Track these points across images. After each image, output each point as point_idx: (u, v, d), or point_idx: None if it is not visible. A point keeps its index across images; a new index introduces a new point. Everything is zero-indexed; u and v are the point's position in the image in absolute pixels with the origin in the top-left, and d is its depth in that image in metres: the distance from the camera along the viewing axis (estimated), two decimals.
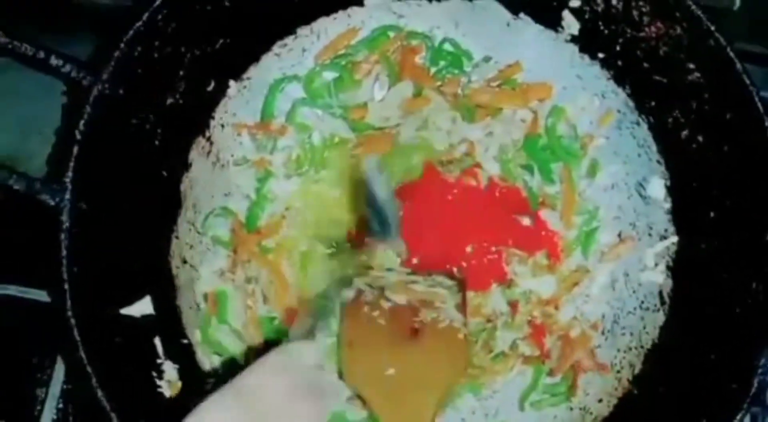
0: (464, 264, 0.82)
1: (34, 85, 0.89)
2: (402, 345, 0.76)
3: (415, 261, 0.81)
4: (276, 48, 0.82)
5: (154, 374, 0.73)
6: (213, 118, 0.81)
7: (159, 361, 0.74)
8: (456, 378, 0.76)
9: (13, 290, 0.88)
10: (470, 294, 0.81)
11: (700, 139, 0.75)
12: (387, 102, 0.84)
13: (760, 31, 0.91)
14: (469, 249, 0.82)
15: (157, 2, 0.71)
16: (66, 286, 0.67)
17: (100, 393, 0.66)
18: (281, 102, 0.83)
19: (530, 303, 0.81)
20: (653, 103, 0.78)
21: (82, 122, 0.69)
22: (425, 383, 0.74)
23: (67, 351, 0.81)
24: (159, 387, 0.73)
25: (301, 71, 0.83)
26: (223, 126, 0.82)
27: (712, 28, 0.71)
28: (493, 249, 0.81)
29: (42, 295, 0.87)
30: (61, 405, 0.87)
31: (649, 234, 0.79)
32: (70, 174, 0.68)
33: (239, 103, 0.82)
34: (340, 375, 0.77)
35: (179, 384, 0.74)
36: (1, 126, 0.87)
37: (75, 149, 0.69)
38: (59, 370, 0.87)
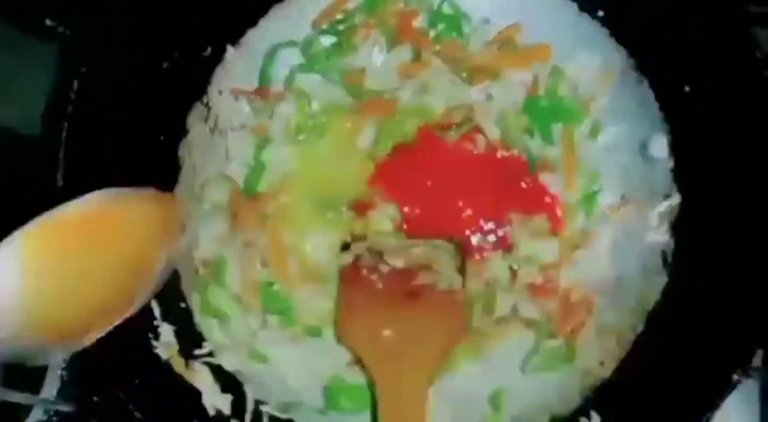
0: (465, 231, 0.81)
1: (38, 59, 0.90)
2: (399, 307, 0.76)
3: (412, 228, 0.81)
4: (273, 12, 0.82)
5: (151, 336, 0.73)
6: (210, 83, 0.81)
7: (156, 323, 0.73)
8: (454, 340, 0.75)
9: None
10: (469, 260, 0.80)
11: (702, 94, 0.74)
12: (385, 66, 0.83)
13: None
14: (466, 214, 0.81)
15: None
16: None
17: (94, 349, 0.66)
18: (279, 67, 0.83)
19: (531, 267, 0.80)
20: (654, 60, 0.76)
21: (76, 82, 0.69)
22: (422, 345, 0.74)
23: None
24: (155, 348, 0.73)
25: (298, 36, 0.83)
26: (220, 91, 0.81)
27: None
28: (492, 214, 0.81)
29: None
30: (65, 376, 0.88)
31: (652, 195, 0.78)
32: (64, 133, 0.69)
33: (237, 69, 0.82)
34: (338, 338, 0.77)
35: (176, 346, 0.74)
36: (10, 96, 0.88)
37: (69, 108, 0.69)
38: None
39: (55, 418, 0.88)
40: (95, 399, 0.83)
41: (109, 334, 0.68)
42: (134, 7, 0.72)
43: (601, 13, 0.78)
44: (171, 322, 0.74)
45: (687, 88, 0.74)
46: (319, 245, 0.81)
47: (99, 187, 0.70)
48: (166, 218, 0.63)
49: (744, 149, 0.71)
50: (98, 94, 0.71)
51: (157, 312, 0.74)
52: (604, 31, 0.78)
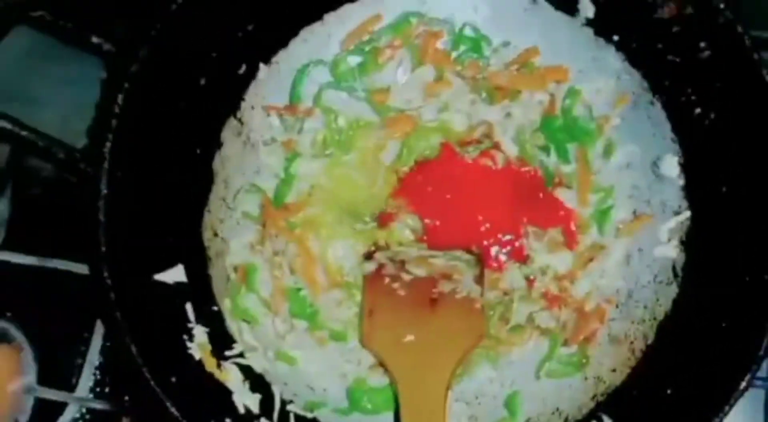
0: (483, 242, 0.85)
1: (80, 72, 0.94)
2: (421, 313, 0.79)
3: (432, 239, 0.84)
4: (303, 33, 0.85)
5: (185, 337, 0.77)
6: (244, 99, 0.85)
7: (190, 325, 0.77)
8: (472, 345, 0.78)
9: (57, 263, 0.93)
10: (487, 270, 0.83)
11: (712, 116, 0.77)
12: (409, 85, 0.87)
13: None
14: (485, 227, 0.85)
15: None
16: (102, 248, 0.71)
17: (133, 349, 0.70)
18: (308, 85, 0.86)
19: (546, 277, 0.83)
20: (667, 83, 0.80)
21: (120, 96, 0.73)
22: (442, 350, 0.77)
23: (106, 316, 0.86)
24: (189, 349, 0.76)
25: (326, 56, 0.86)
26: (253, 107, 0.85)
27: (721, 5, 0.73)
28: (509, 227, 0.84)
29: (84, 269, 0.92)
30: (98, 375, 0.92)
31: (663, 211, 0.81)
32: (108, 144, 0.73)
33: (269, 86, 0.85)
34: (362, 343, 0.81)
35: (209, 347, 0.78)
36: (53, 107, 0.92)
37: (113, 121, 0.73)
38: (97, 340, 0.92)
39: (88, 416, 0.92)
40: (127, 397, 0.88)
41: (146, 333, 0.73)
42: (175, 27, 0.76)
43: (616, 38, 0.81)
44: (204, 325, 0.78)
45: (698, 110, 0.77)
46: (344, 254, 0.85)
47: (140, 194, 0.76)
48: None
49: (752, 168, 0.75)
50: (141, 108, 0.75)
51: (191, 315, 0.78)
52: (619, 55, 0.81)
